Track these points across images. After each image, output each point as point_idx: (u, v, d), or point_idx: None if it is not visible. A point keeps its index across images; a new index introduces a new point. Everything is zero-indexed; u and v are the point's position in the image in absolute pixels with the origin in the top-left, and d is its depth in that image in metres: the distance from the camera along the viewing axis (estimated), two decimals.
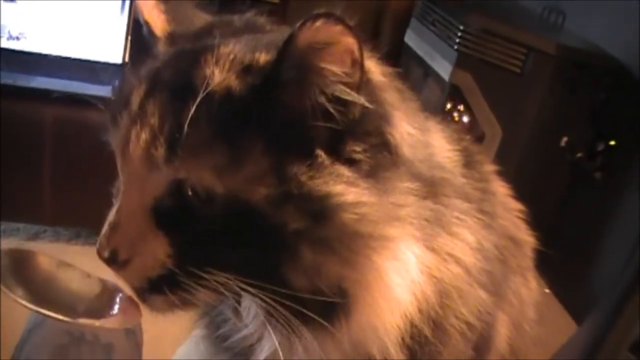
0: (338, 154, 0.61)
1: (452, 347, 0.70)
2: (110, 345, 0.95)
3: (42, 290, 0.72)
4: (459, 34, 1.99)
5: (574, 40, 2.05)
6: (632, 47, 1.92)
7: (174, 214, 0.61)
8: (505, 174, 0.88)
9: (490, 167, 0.85)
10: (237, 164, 0.58)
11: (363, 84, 0.60)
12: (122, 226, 0.62)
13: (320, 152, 0.60)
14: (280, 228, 0.59)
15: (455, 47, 2.00)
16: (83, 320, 0.72)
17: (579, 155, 1.99)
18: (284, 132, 0.60)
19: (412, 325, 0.66)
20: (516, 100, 1.97)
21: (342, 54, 0.57)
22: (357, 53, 0.58)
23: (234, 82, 0.60)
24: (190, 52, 0.66)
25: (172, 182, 0.60)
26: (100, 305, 0.73)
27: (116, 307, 0.73)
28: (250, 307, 0.70)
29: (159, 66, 0.66)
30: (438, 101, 2.08)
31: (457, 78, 2.00)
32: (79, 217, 2.03)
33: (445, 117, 1.80)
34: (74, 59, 2.07)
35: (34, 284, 0.72)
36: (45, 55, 2.06)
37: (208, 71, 0.61)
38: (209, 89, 0.58)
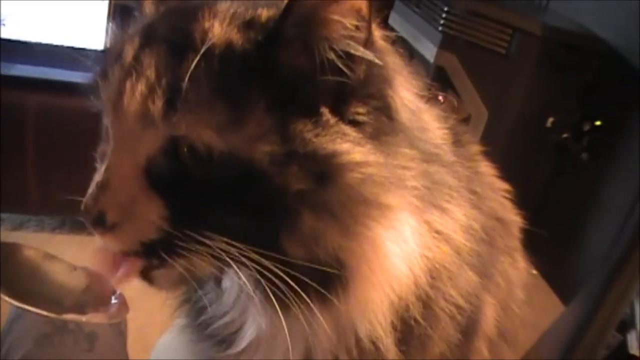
0: (342, 115, 0.60)
1: (442, 330, 0.70)
2: (93, 334, 0.94)
3: (27, 284, 0.70)
4: (444, 15, 1.98)
5: (559, 21, 2.05)
6: (618, 28, 1.92)
7: (169, 174, 0.59)
8: (491, 155, 0.87)
9: (476, 148, 0.85)
10: (239, 120, 0.57)
11: (369, 43, 0.59)
12: (112, 186, 0.59)
13: (325, 110, 0.59)
14: (283, 189, 0.57)
15: (440, 28, 1.99)
16: (69, 316, 0.70)
17: (565, 135, 1.99)
18: (287, 88, 0.58)
19: (405, 304, 0.65)
20: (502, 82, 1.97)
21: (351, 9, 0.57)
22: (365, 9, 0.57)
23: (235, 36, 0.58)
24: (185, 8, 0.64)
25: (168, 139, 0.58)
26: (86, 299, 0.72)
27: (104, 301, 0.72)
28: (232, 289, 0.68)
29: (152, 22, 0.64)
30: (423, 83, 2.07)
31: (442, 60, 1.99)
32: (63, 206, 2.01)
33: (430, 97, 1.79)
34: (55, 46, 2.05)
35: (19, 277, 0.70)
36: (26, 43, 2.04)
37: (207, 24, 0.59)
38: (211, 42, 0.57)
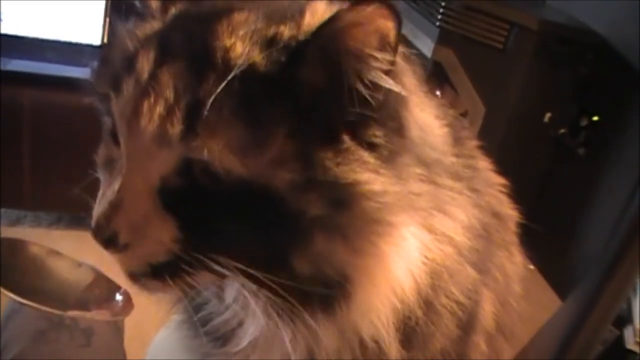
0: (360, 139, 0.58)
1: (444, 327, 0.70)
2: (90, 330, 0.94)
3: (32, 280, 0.70)
4: (441, 10, 1.98)
5: (556, 16, 2.05)
6: (615, 22, 1.92)
7: (183, 194, 0.58)
8: (488, 151, 0.87)
9: (474, 143, 0.85)
10: (260, 145, 0.55)
11: (392, 72, 0.58)
12: (125, 206, 0.58)
13: (345, 137, 0.58)
14: (299, 214, 0.56)
15: (437, 23, 1.99)
16: (74, 312, 0.70)
17: (562, 131, 2.00)
18: (309, 114, 0.57)
19: (407, 307, 0.64)
20: (499, 77, 1.97)
21: (384, 40, 0.55)
22: (394, 39, 0.56)
23: (257, 57, 0.56)
24: (200, 16, 0.62)
25: (182, 160, 0.57)
26: (90, 296, 0.71)
27: (109, 298, 0.72)
28: (232, 287, 0.68)
29: (167, 30, 0.62)
30: None
31: (440, 55, 1.99)
32: (59, 201, 2.01)
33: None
34: (52, 41, 2.04)
35: (24, 273, 0.70)
36: (23, 38, 2.03)
37: (228, 42, 0.57)
38: (235, 67, 0.55)
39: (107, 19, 2.05)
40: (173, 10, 0.65)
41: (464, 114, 1.96)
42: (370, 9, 0.53)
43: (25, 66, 1.96)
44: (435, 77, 2.01)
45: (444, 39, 1.98)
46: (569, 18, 2.04)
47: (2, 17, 2.00)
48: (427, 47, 2.04)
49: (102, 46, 2.03)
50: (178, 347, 0.79)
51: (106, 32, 2.05)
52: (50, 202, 2.07)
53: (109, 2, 2.05)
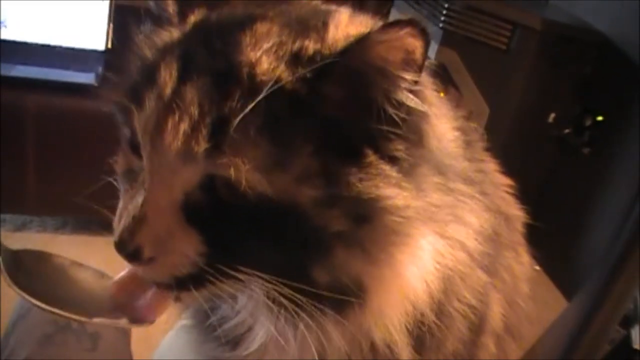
0: (382, 153, 0.58)
1: (457, 330, 0.70)
2: (96, 334, 0.94)
3: (56, 290, 0.70)
4: (444, 11, 1.98)
5: (559, 15, 2.05)
6: (617, 21, 1.92)
7: (206, 209, 0.58)
8: (493, 151, 0.87)
9: (482, 145, 0.84)
10: (285, 163, 0.55)
11: (417, 91, 0.58)
12: (149, 221, 0.58)
13: (369, 152, 0.58)
14: (321, 229, 0.57)
15: (440, 25, 1.99)
16: (99, 320, 0.70)
17: (567, 131, 1.99)
18: (334, 131, 0.57)
19: (419, 312, 0.65)
20: (502, 77, 1.97)
21: (411, 59, 0.55)
22: (422, 57, 0.56)
23: (283, 73, 0.56)
24: (223, 26, 0.61)
25: (206, 176, 0.57)
26: (113, 305, 0.71)
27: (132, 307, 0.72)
28: (242, 296, 0.68)
29: (188, 41, 0.62)
30: None
31: (443, 56, 1.99)
32: (64, 206, 2.01)
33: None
34: (56, 47, 2.05)
35: (48, 284, 0.70)
36: (26, 44, 2.04)
37: (253, 57, 0.57)
38: (269, 86, 0.55)
39: (111, 24, 2.05)
40: (192, 19, 0.65)
41: (468, 115, 1.96)
42: (403, 32, 0.53)
43: (29, 72, 1.97)
44: (439, 78, 2.01)
45: (447, 40, 1.99)
46: (571, 17, 2.04)
47: (6, 23, 2.01)
48: (430, 48, 2.04)
49: (106, 51, 2.03)
50: (185, 351, 0.79)
51: (110, 38, 2.05)
52: (54, 206, 2.08)
53: (113, 7, 2.06)
